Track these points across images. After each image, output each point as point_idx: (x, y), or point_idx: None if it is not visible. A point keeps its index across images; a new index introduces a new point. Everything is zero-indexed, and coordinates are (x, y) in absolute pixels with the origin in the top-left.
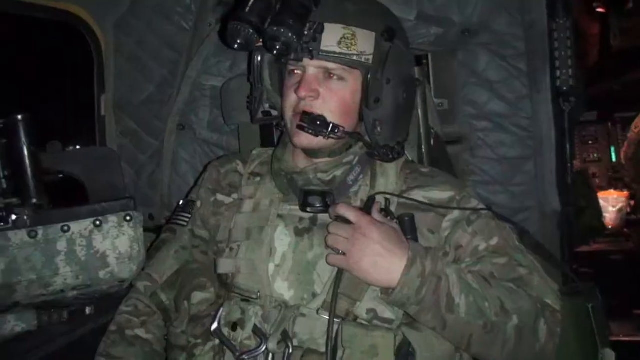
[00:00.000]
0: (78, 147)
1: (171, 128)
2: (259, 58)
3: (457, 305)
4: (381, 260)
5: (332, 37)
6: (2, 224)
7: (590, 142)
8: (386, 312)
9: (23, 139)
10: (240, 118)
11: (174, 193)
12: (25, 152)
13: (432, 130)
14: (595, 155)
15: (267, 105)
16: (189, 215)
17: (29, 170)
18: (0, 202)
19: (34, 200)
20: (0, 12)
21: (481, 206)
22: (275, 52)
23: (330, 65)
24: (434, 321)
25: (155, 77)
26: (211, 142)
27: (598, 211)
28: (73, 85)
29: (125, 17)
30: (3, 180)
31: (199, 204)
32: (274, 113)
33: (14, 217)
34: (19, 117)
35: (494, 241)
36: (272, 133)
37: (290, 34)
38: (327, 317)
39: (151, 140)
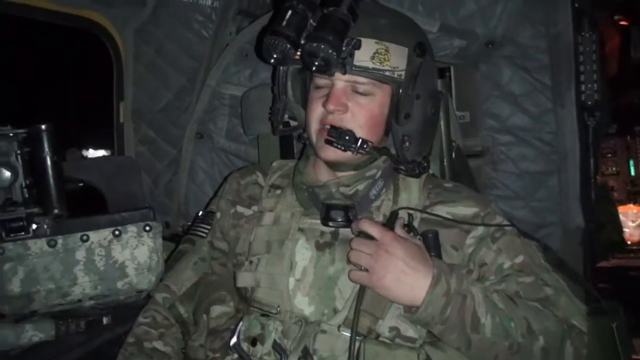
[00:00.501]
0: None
1: (189, 136)
2: (284, 69)
3: (483, 325)
4: (405, 277)
5: (365, 52)
6: (22, 233)
7: (609, 155)
8: (409, 331)
9: (46, 149)
10: (260, 128)
11: (191, 202)
12: (48, 162)
13: (453, 144)
14: (614, 168)
15: (286, 116)
16: (208, 227)
17: (51, 179)
18: (21, 212)
19: (56, 210)
20: (23, 18)
21: (506, 223)
22: (314, 68)
23: (360, 79)
24: (459, 341)
25: (174, 85)
26: (229, 151)
27: (618, 226)
28: (91, 92)
29: (145, 26)
30: (25, 190)
31: (218, 215)
32: (293, 123)
33: (34, 226)
34: (42, 126)
35: (519, 259)
36: (291, 144)
37: (330, 51)
38: (348, 334)
39: (169, 148)
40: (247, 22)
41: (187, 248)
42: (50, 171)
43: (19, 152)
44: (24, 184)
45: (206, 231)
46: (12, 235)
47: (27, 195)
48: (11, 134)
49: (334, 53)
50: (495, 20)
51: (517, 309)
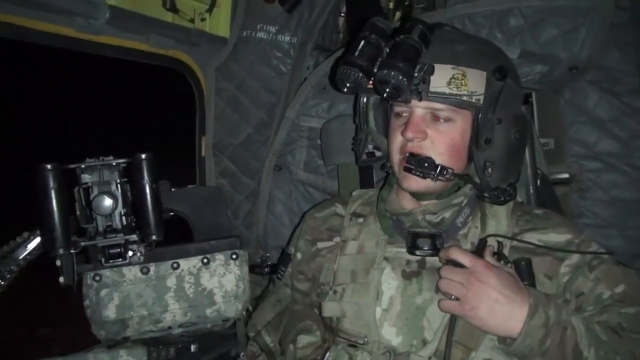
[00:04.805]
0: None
1: (268, 169)
2: (365, 100)
3: (586, 359)
4: (499, 307)
5: (441, 77)
6: (120, 259)
7: None
8: None
9: (146, 177)
10: (340, 158)
11: (270, 233)
12: (148, 189)
13: (538, 171)
14: None
15: (371, 147)
16: (284, 269)
17: (150, 206)
18: (120, 238)
19: (154, 237)
20: (114, 58)
21: (602, 250)
22: (385, 95)
23: (439, 106)
24: None
25: (254, 119)
26: (307, 183)
27: None
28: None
29: (226, 63)
30: (123, 217)
31: (299, 256)
32: (378, 154)
33: (130, 253)
34: (143, 155)
35: (620, 289)
36: (371, 174)
37: (400, 77)
38: None
39: (248, 180)
40: (323, 56)
41: (270, 288)
42: (149, 198)
43: (118, 180)
44: (122, 212)
45: (282, 273)
46: (110, 261)
47: (125, 223)
48: (114, 163)
49: (404, 80)
50: (579, 45)
51: (622, 342)
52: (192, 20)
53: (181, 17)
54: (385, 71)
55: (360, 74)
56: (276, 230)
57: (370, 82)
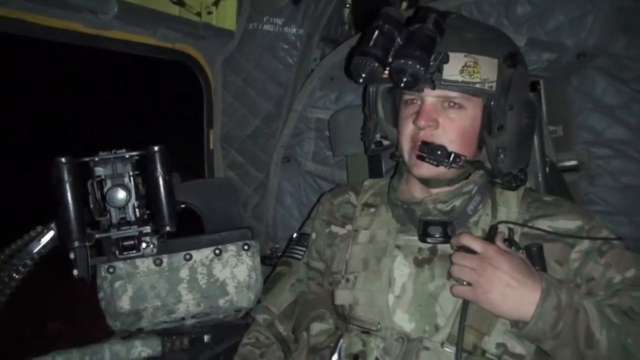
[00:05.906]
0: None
1: (276, 160)
2: (374, 89)
3: (598, 341)
4: (511, 291)
5: (454, 66)
6: (133, 251)
7: None
8: (517, 347)
9: (159, 169)
10: (349, 149)
11: (279, 224)
12: (161, 181)
13: (547, 158)
14: None
15: (378, 136)
16: (304, 249)
17: (163, 197)
18: (134, 230)
19: (167, 227)
20: (123, 52)
21: (612, 236)
22: (402, 84)
23: (452, 93)
24: (572, 358)
25: (261, 112)
26: (315, 174)
27: None
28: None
29: (233, 56)
30: (136, 209)
31: (313, 235)
32: (386, 142)
33: (143, 245)
34: (155, 148)
35: (631, 273)
36: (380, 163)
37: (417, 66)
38: (452, 351)
39: (257, 172)
40: (330, 48)
41: (284, 270)
42: (163, 190)
43: (131, 173)
44: (135, 204)
45: (302, 253)
46: (124, 253)
47: (138, 215)
48: (127, 156)
49: (422, 68)
50: (586, 32)
51: (633, 324)
52: (198, 14)
53: (188, 10)
54: (402, 60)
55: (376, 64)
56: (285, 221)
57: (386, 71)
